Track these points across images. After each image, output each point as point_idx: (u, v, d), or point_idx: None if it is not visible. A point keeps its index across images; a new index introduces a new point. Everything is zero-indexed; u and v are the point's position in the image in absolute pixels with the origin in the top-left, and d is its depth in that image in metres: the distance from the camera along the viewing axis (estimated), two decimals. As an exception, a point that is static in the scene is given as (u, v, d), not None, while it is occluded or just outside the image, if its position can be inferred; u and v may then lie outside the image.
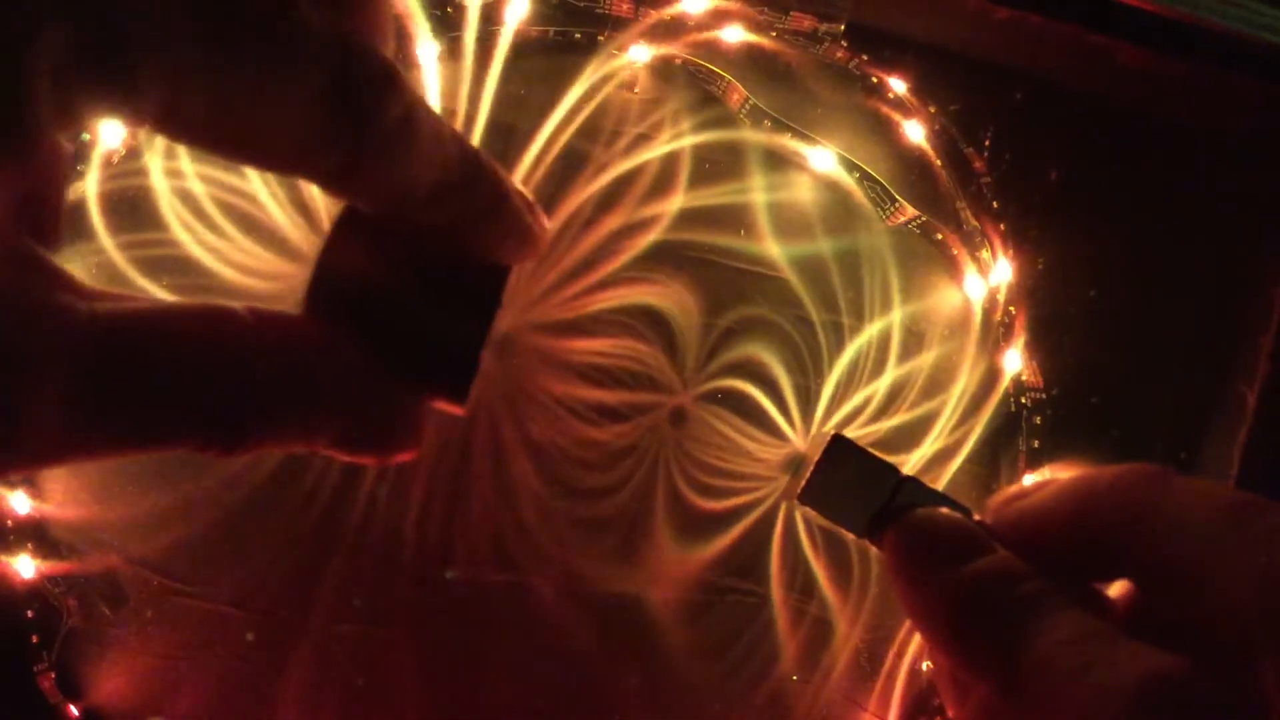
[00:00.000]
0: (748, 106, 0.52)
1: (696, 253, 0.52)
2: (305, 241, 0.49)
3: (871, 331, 0.53)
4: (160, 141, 0.48)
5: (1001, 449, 0.54)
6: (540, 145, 0.50)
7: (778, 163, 0.53)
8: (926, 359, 0.54)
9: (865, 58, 0.53)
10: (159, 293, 0.48)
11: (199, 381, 0.23)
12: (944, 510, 0.31)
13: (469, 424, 0.50)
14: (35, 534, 0.49)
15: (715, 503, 0.52)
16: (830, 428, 0.52)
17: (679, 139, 0.52)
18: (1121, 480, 0.28)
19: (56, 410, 0.21)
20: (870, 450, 0.34)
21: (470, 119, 0.50)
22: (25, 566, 0.48)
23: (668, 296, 0.52)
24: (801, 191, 0.53)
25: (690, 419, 0.51)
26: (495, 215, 0.29)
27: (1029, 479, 0.54)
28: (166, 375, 0.23)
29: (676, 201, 0.52)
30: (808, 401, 0.53)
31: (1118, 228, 0.56)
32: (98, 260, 0.48)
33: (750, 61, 0.53)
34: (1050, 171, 0.55)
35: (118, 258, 0.48)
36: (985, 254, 0.54)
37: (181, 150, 0.48)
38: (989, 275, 0.54)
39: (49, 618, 0.49)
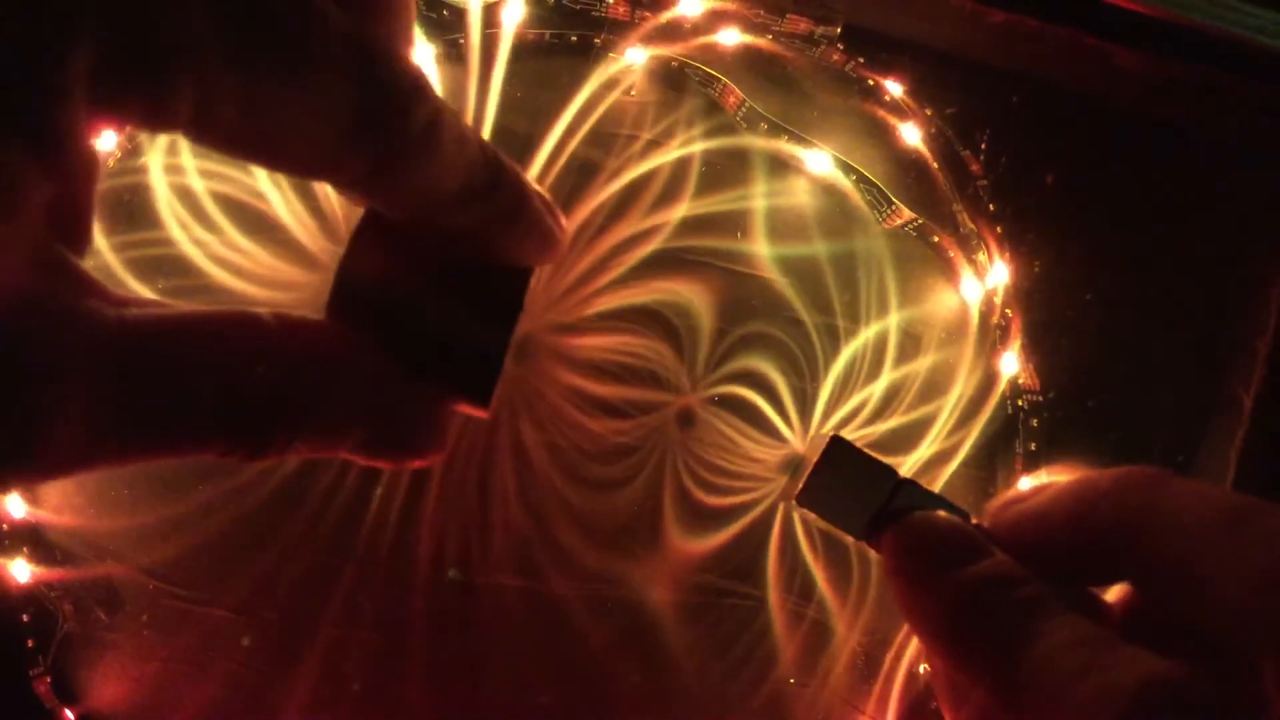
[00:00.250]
0: (744, 109, 0.52)
1: (695, 256, 0.52)
2: (309, 239, 0.49)
3: (868, 334, 0.53)
4: (162, 139, 0.48)
5: (999, 452, 0.54)
6: (548, 152, 0.50)
7: (775, 166, 0.53)
8: (924, 362, 0.54)
9: (862, 60, 0.53)
10: (152, 295, 0.47)
11: (225, 387, 0.24)
12: (942, 513, 0.31)
13: (483, 425, 0.50)
14: (31, 538, 0.49)
15: (718, 499, 0.52)
16: (828, 430, 0.52)
17: (680, 145, 0.52)
18: (1119, 483, 0.28)
19: (84, 417, 0.21)
20: (869, 452, 0.34)
21: (475, 123, 0.50)
22: (21, 571, 0.48)
23: (669, 300, 0.52)
24: (798, 194, 0.53)
25: (697, 420, 0.51)
26: (517, 218, 0.29)
27: (1026, 482, 0.54)
28: (193, 381, 0.23)
29: (679, 207, 0.52)
30: (806, 404, 0.53)
31: (1114, 230, 0.56)
32: (93, 264, 0.48)
33: (747, 64, 0.53)
34: (1047, 174, 0.55)
35: (111, 259, 0.48)
36: (982, 256, 0.54)
37: (183, 146, 0.48)
38: (986, 278, 0.54)
39: (45, 622, 0.49)
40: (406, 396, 0.28)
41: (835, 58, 0.53)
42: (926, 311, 0.54)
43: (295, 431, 0.25)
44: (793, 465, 0.52)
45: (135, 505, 0.49)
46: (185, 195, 0.49)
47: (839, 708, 0.53)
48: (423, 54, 0.50)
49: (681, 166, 0.52)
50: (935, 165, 0.54)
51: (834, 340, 0.53)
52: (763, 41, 0.52)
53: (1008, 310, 0.54)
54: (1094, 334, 0.55)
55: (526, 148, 0.50)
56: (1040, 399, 0.54)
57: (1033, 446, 0.54)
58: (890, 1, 0.53)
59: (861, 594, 0.53)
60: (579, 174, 0.51)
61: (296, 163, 0.25)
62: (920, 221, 0.53)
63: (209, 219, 0.49)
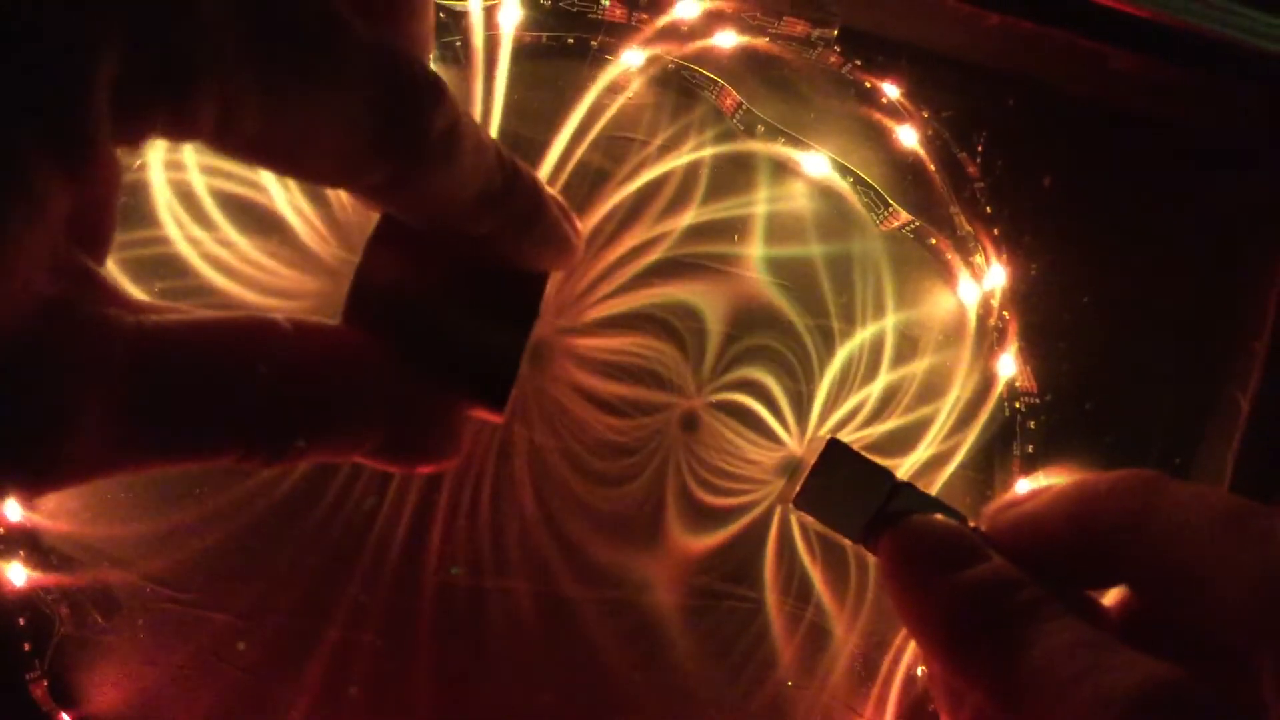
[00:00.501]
0: (741, 112, 0.52)
1: (699, 261, 0.52)
2: (314, 243, 0.49)
3: (866, 337, 0.53)
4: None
5: (996, 454, 0.54)
6: (555, 157, 0.50)
7: (774, 169, 0.53)
8: (920, 364, 0.54)
9: (859, 63, 0.53)
10: (146, 297, 0.47)
11: (244, 393, 0.24)
12: (939, 516, 0.31)
13: (489, 426, 0.50)
14: (28, 542, 0.48)
15: (720, 499, 0.52)
16: (825, 432, 0.52)
17: (686, 151, 0.52)
18: (1117, 486, 0.28)
19: (105, 424, 0.21)
20: (866, 455, 0.34)
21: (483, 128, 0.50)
22: (17, 574, 0.48)
23: (673, 305, 0.52)
24: (797, 198, 0.53)
25: (701, 423, 0.51)
26: (534, 223, 0.29)
27: (1024, 484, 0.54)
28: (212, 387, 0.23)
29: (685, 213, 0.52)
30: (804, 407, 0.53)
31: (1111, 233, 0.56)
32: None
33: (744, 67, 0.53)
34: (1044, 177, 0.55)
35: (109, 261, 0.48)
36: (979, 259, 0.54)
37: (184, 146, 0.48)
38: (983, 280, 0.54)
39: (41, 625, 0.49)
40: (422, 401, 0.28)
41: (832, 60, 0.53)
42: (924, 314, 0.54)
43: (313, 436, 0.25)
44: (790, 468, 0.52)
45: (132, 509, 0.49)
46: (184, 194, 0.49)
47: (836, 710, 0.53)
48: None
49: (687, 172, 0.52)
50: (932, 167, 0.54)
51: (833, 342, 0.53)
52: (760, 44, 0.52)
53: (1005, 312, 0.54)
54: (1091, 336, 0.55)
55: (528, 152, 0.50)
56: (1038, 401, 0.54)
57: (1030, 449, 0.54)
58: (887, 4, 0.53)
59: (859, 597, 0.53)
60: (583, 179, 0.51)
61: (318, 171, 0.25)
62: (917, 224, 0.53)
63: (208, 219, 0.49)
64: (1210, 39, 0.52)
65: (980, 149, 0.54)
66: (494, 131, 0.50)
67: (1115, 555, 0.27)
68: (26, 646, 0.49)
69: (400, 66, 0.24)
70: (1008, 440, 0.54)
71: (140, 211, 0.48)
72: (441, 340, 0.28)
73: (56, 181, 0.19)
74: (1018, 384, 0.54)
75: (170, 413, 0.22)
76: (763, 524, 0.52)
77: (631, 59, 0.51)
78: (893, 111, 0.54)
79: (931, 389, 0.54)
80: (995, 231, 0.54)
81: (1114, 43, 0.52)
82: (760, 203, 0.53)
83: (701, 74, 0.52)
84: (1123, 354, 0.56)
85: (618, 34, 0.51)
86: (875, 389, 0.53)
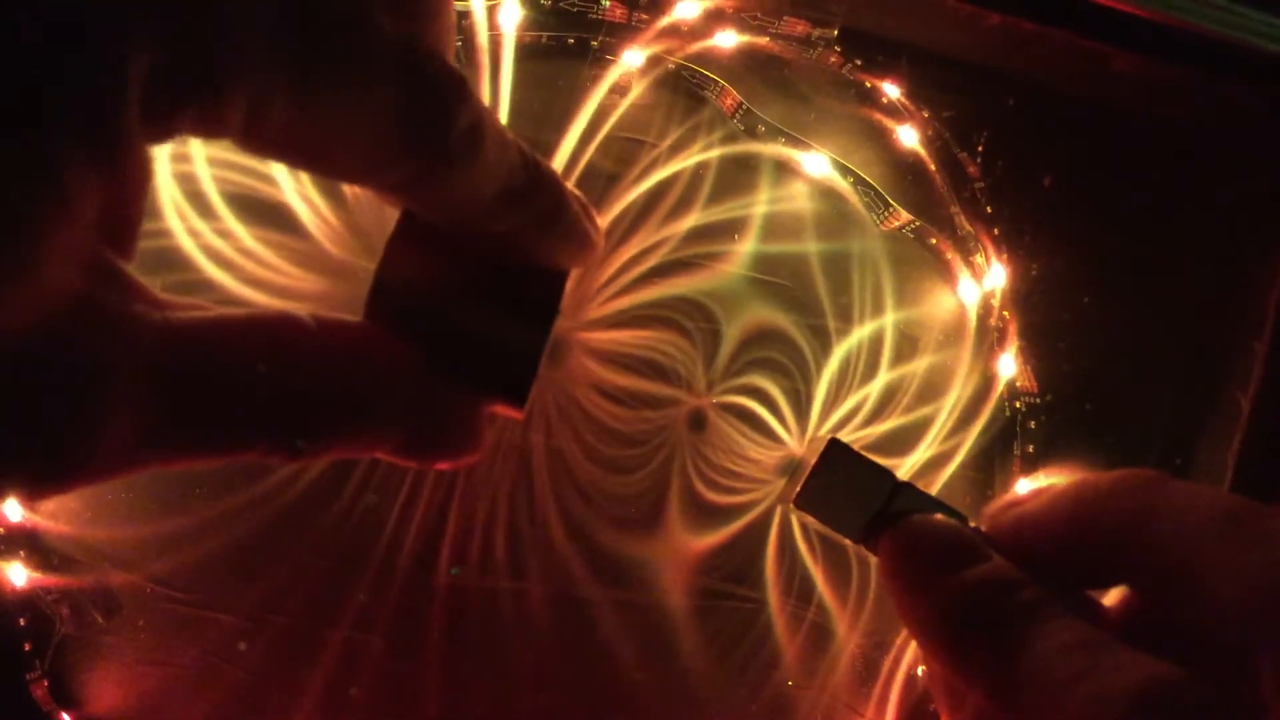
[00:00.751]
0: (742, 112, 0.52)
1: (704, 261, 0.52)
2: (318, 234, 0.49)
3: (866, 337, 0.53)
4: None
5: (997, 454, 0.54)
6: (564, 158, 0.50)
7: (775, 170, 0.53)
8: (921, 364, 0.54)
9: (859, 63, 0.53)
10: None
11: (268, 389, 0.24)
12: (939, 516, 0.31)
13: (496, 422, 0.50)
14: (28, 542, 0.48)
15: (723, 497, 0.52)
16: (825, 432, 0.52)
17: (693, 152, 0.52)
18: (1118, 485, 0.28)
19: (132, 420, 0.21)
20: (866, 455, 0.34)
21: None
22: (18, 574, 0.48)
23: (681, 305, 0.52)
24: (799, 198, 0.53)
25: (708, 421, 0.51)
26: (555, 221, 0.29)
27: (1024, 484, 0.54)
28: (237, 384, 0.23)
29: (691, 214, 0.52)
30: (805, 406, 0.53)
31: (1112, 233, 0.56)
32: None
33: (744, 67, 0.53)
34: (1044, 177, 0.55)
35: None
36: (979, 259, 0.54)
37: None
38: (983, 280, 0.54)
39: (42, 626, 0.49)
40: (443, 397, 0.28)
41: (832, 60, 0.53)
42: (924, 313, 0.54)
43: (335, 432, 0.25)
44: (790, 468, 0.52)
45: (133, 509, 0.49)
46: (188, 186, 0.49)
47: (837, 710, 0.53)
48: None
49: (693, 173, 0.52)
50: (933, 168, 0.54)
51: (833, 343, 0.53)
52: (760, 44, 0.52)
53: (1005, 312, 0.54)
54: (1092, 336, 0.55)
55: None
56: (1038, 401, 0.54)
57: (1030, 449, 0.54)
58: (887, 4, 0.53)
59: (860, 597, 0.53)
60: (585, 180, 0.51)
61: (342, 169, 0.25)
62: (918, 224, 0.53)
63: (214, 212, 0.49)
64: (1210, 39, 0.52)
65: (980, 149, 0.54)
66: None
67: (1115, 555, 0.27)
68: (27, 647, 0.49)
69: (425, 64, 0.24)
70: (1008, 440, 0.54)
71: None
72: (462, 337, 0.28)
73: (88, 179, 0.19)
74: (1018, 384, 0.54)
75: (196, 409, 0.23)
76: (764, 524, 0.52)
77: (632, 59, 0.51)
78: (893, 111, 0.54)
79: (932, 389, 0.54)
80: (995, 231, 0.54)
81: (1114, 43, 0.52)
82: (763, 203, 0.53)
83: (702, 74, 0.52)
84: (1123, 353, 0.56)
85: (618, 34, 0.51)
86: (875, 389, 0.53)
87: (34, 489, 0.21)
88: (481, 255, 0.28)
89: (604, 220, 0.51)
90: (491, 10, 0.50)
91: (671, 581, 0.51)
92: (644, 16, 0.51)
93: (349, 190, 0.49)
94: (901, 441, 0.53)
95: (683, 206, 0.52)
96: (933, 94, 0.54)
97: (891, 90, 0.53)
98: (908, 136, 0.54)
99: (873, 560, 0.52)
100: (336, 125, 0.23)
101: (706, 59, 0.52)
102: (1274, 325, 0.55)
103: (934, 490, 0.53)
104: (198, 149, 0.48)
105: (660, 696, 0.52)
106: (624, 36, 0.51)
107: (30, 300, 0.19)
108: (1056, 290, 0.55)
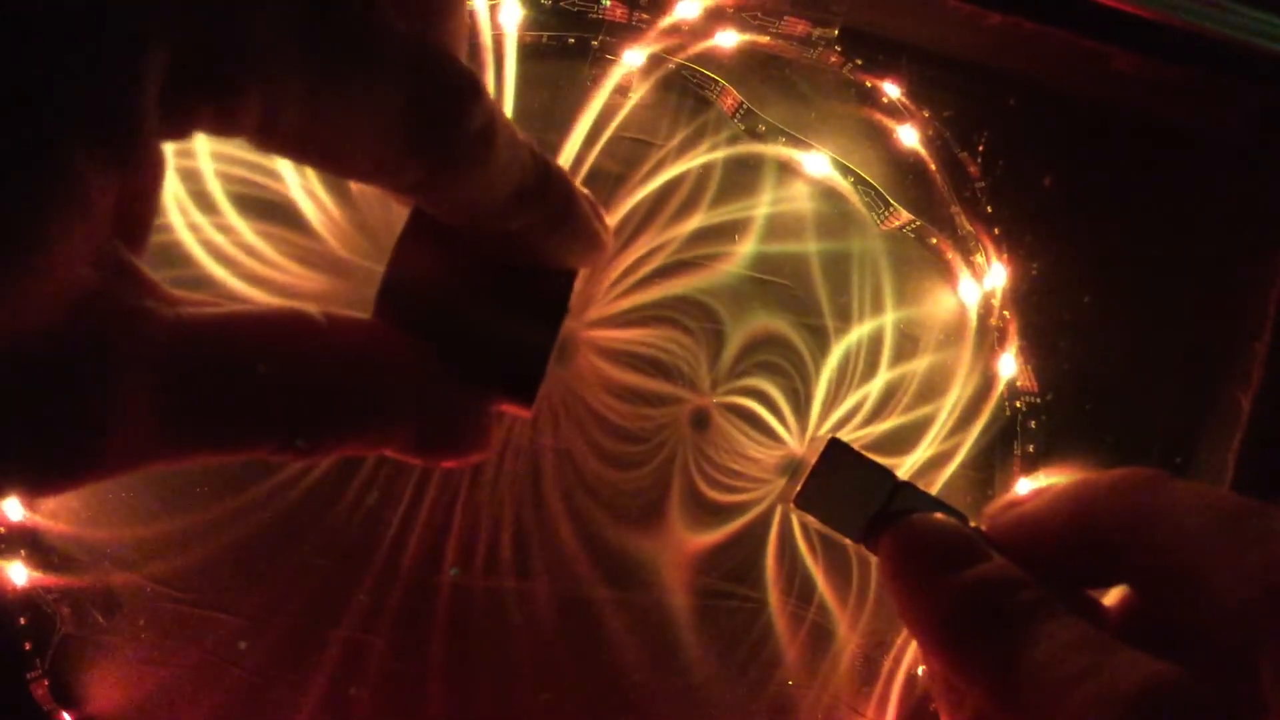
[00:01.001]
0: (742, 112, 0.52)
1: (708, 262, 0.52)
2: (321, 231, 0.49)
3: (866, 336, 0.53)
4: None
5: (997, 454, 0.54)
6: (570, 159, 0.50)
7: (777, 170, 0.53)
8: (921, 363, 0.54)
9: (859, 62, 0.53)
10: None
11: (279, 386, 0.24)
12: (940, 516, 0.31)
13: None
14: (29, 541, 0.48)
15: (723, 495, 0.52)
16: (826, 431, 0.52)
17: (698, 154, 0.52)
18: (1119, 484, 0.28)
19: (144, 417, 0.21)
20: (867, 455, 0.34)
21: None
22: (18, 574, 0.48)
23: (685, 306, 0.52)
24: (798, 198, 0.53)
25: (710, 420, 0.51)
26: (565, 221, 0.29)
27: (1025, 483, 0.54)
28: (248, 380, 0.23)
29: (696, 215, 0.52)
30: (806, 406, 0.53)
31: (1112, 233, 0.56)
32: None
33: (745, 67, 0.53)
34: (1044, 176, 0.55)
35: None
36: (980, 259, 0.54)
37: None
38: (984, 280, 0.54)
39: (42, 625, 0.49)
40: (452, 396, 0.28)
41: (833, 60, 0.53)
42: (924, 313, 0.54)
43: (345, 430, 0.25)
44: (791, 468, 0.52)
45: (133, 509, 0.49)
46: (192, 184, 0.49)
47: (839, 710, 0.53)
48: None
49: (698, 175, 0.52)
50: (933, 167, 0.54)
51: (834, 342, 0.53)
52: (761, 43, 0.52)
53: (1005, 312, 0.54)
54: (1092, 336, 0.55)
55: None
56: (1038, 401, 0.54)
57: (1031, 449, 0.54)
58: (887, 4, 0.53)
59: (861, 597, 0.53)
60: (592, 181, 0.51)
61: (356, 168, 0.25)
62: (918, 223, 0.53)
63: (216, 208, 0.49)
64: (1210, 39, 0.52)
65: (981, 149, 0.54)
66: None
67: (1116, 554, 0.27)
68: (28, 646, 0.49)
69: (438, 64, 0.24)
70: (1008, 440, 0.54)
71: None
72: (471, 336, 0.28)
73: (104, 177, 0.19)
74: (1018, 383, 0.54)
75: (207, 406, 0.23)
76: (765, 523, 0.52)
77: (632, 59, 0.51)
78: (893, 111, 0.54)
79: (932, 388, 0.54)
80: (996, 231, 0.54)
81: (1114, 43, 0.52)
82: (766, 204, 0.53)
83: (702, 74, 0.52)
84: (1123, 353, 0.56)
85: (618, 34, 0.51)
86: (875, 388, 0.53)
87: (46, 485, 0.21)
88: (491, 254, 0.28)
89: (615, 219, 0.51)
90: (492, 10, 0.50)
91: (673, 581, 0.51)
92: (644, 16, 0.51)
93: (355, 187, 0.49)
94: (902, 441, 0.53)
95: (687, 208, 0.52)
96: (933, 94, 0.54)
97: (892, 90, 0.53)
98: (908, 136, 0.54)
99: (873, 560, 0.52)
100: (350, 125, 0.23)
101: (707, 59, 0.52)
102: (1274, 325, 0.55)
103: (934, 490, 0.53)
104: (201, 144, 0.48)
105: (661, 696, 0.52)
106: (624, 36, 0.51)
107: (45, 296, 0.19)
108: (1056, 290, 0.55)
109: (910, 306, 0.54)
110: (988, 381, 0.54)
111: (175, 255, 0.48)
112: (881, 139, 0.54)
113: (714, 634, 0.52)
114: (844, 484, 0.34)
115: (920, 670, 0.53)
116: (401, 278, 0.28)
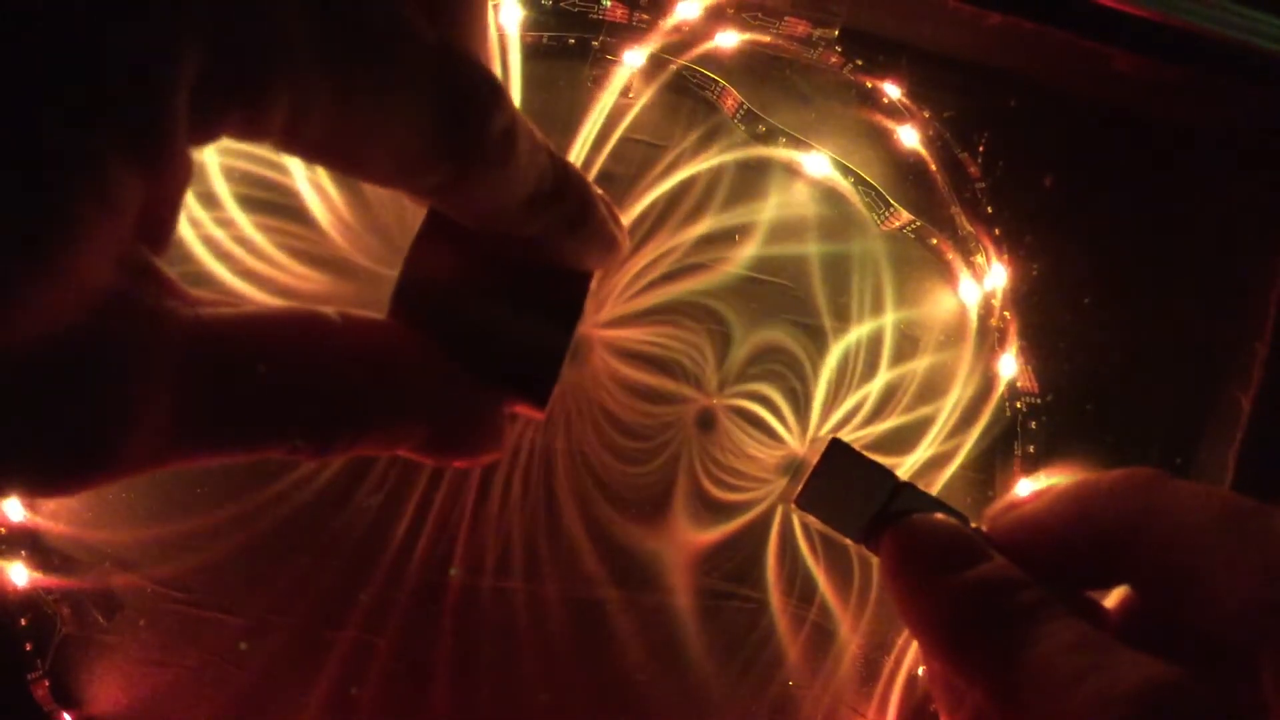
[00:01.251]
0: (742, 112, 0.52)
1: (713, 265, 0.52)
2: (330, 231, 0.49)
3: (866, 337, 0.53)
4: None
5: (998, 454, 0.54)
6: (580, 161, 0.51)
7: (777, 171, 0.53)
8: (921, 364, 0.54)
9: (860, 63, 0.53)
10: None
11: (296, 386, 0.24)
12: (940, 516, 0.31)
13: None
14: (29, 542, 0.49)
15: (726, 494, 0.52)
16: (827, 432, 0.52)
17: (705, 158, 0.52)
18: (1119, 485, 0.28)
19: (161, 417, 0.21)
20: (868, 455, 0.34)
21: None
22: (19, 574, 0.48)
23: (690, 308, 0.52)
24: (801, 199, 0.53)
25: (716, 420, 0.52)
26: (583, 223, 0.29)
27: (1025, 484, 0.54)
28: (265, 380, 0.23)
29: (704, 218, 0.52)
30: (807, 406, 0.53)
31: (1112, 233, 0.56)
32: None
33: (745, 67, 0.53)
34: (1045, 177, 0.55)
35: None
36: (980, 259, 0.54)
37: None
38: (984, 280, 0.54)
39: (43, 625, 0.49)
40: (466, 396, 0.28)
41: (833, 60, 0.53)
42: (924, 313, 0.54)
43: (361, 429, 0.25)
44: (792, 468, 0.52)
45: (134, 509, 0.49)
46: (197, 184, 0.49)
47: (840, 711, 0.53)
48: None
49: (705, 178, 0.52)
50: (933, 168, 0.54)
51: (833, 342, 0.53)
52: (761, 44, 0.53)
53: (1006, 312, 0.54)
54: (1092, 336, 0.55)
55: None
56: (1039, 401, 0.54)
57: (1031, 449, 0.54)
58: (887, 4, 0.53)
59: (862, 598, 0.53)
60: (603, 183, 0.51)
61: (379, 172, 0.25)
62: (919, 224, 0.53)
63: (220, 205, 0.49)
64: (1210, 39, 0.52)
65: (981, 149, 0.54)
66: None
67: (1116, 555, 0.27)
68: (28, 646, 0.49)
69: (462, 68, 0.24)
70: (1009, 440, 0.54)
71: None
72: (486, 337, 0.28)
73: (132, 181, 0.19)
74: (1019, 384, 0.54)
75: (223, 406, 0.23)
76: (766, 523, 0.52)
77: (632, 59, 0.51)
78: (894, 112, 0.54)
79: (933, 389, 0.54)
80: (996, 231, 0.54)
81: (1114, 43, 0.52)
82: (770, 207, 0.53)
83: (703, 74, 0.52)
84: (1124, 354, 0.56)
85: (619, 34, 0.51)
86: (876, 388, 0.53)
87: (59, 485, 0.21)
88: (506, 255, 0.29)
89: (627, 222, 0.51)
90: (493, 10, 0.50)
91: (675, 581, 0.51)
92: (645, 16, 0.51)
93: (367, 188, 0.49)
94: (902, 441, 0.53)
95: (696, 212, 0.52)
96: (933, 94, 0.54)
97: (892, 90, 0.53)
98: (908, 137, 0.54)
99: (874, 560, 0.52)
100: (374, 129, 0.23)
101: (707, 59, 0.52)
102: (1274, 325, 0.55)
103: (935, 490, 0.53)
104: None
105: (663, 696, 0.52)
106: (625, 36, 0.51)
107: (69, 297, 0.19)
108: (1057, 290, 0.55)
109: (911, 307, 0.54)
110: (988, 382, 0.54)
111: (177, 253, 0.48)
112: (882, 139, 0.54)
113: (716, 634, 0.52)
114: (845, 484, 0.34)
115: (921, 671, 0.53)
116: (417, 278, 0.28)
